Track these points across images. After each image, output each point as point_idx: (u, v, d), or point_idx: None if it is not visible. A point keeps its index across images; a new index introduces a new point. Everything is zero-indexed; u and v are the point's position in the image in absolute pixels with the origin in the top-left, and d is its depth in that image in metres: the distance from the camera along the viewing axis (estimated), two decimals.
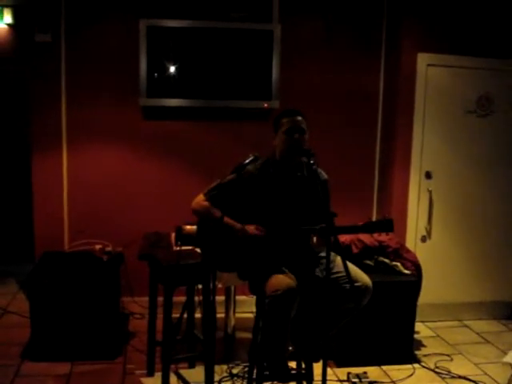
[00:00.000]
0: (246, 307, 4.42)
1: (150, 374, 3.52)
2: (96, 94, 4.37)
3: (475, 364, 3.84)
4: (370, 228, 2.81)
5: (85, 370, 3.54)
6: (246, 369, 3.29)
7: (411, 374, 3.65)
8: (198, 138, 4.51)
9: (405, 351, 3.83)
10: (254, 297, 2.96)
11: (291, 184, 2.93)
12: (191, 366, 3.64)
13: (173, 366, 3.48)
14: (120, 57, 4.34)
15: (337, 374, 3.62)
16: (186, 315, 3.54)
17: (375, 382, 3.50)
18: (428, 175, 4.52)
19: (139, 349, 3.84)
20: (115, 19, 4.32)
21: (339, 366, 3.71)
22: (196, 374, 3.50)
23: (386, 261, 3.93)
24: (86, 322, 3.63)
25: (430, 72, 4.41)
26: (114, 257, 3.91)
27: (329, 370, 3.56)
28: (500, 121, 4.56)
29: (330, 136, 4.56)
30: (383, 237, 3.93)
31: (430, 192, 4.52)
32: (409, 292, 3.82)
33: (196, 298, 3.46)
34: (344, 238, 3.93)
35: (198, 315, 3.56)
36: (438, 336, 4.34)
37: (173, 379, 3.39)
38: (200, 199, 2.94)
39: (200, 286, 3.34)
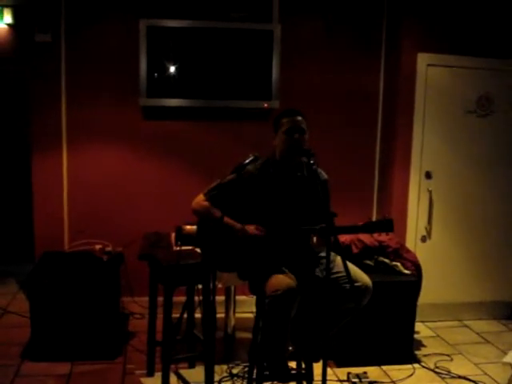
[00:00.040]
0: (246, 307, 4.42)
1: (150, 374, 3.52)
2: (96, 93, 4.37)
3: (475, 364, 3.84)
4: (370, 228, 2.81)
5: (85, 369, 3.54)
6: (246, 369, 3.30)
7: (411, 374, 3.65)
8: (198, 138, 4.51)
9: (405, 351, 3.83)
10: (254, 297, 2.96)
11: (291, 184, 2.93)
12: (191, 366, 3.64)
13: (173, 366, 3.48)
14: (120, 57, 4.34)
15: (337, 373, 3.62)
16: (186, 315, 3.54)
17: (375, 381, 3.50)
18: (428, 175, 4.52)
19: (139, 349, 3.84)
20: (115, 19, 4.32)
21: (339, 365, 3.71)
22: (196, 374, 3.50)
23: (386, 261, 3.93)
24: (86, 321, 3.63)
25: (430, 72, 4.41)
26: (114, 257, 3.91)
27: (329, 370, 3.56)
28: (500, 121, 4.56)
29: (330, 136, 4.56)
30: (383, 237, 3.93)
31: (430, 192, 4.52)
32: (409, 292, 3.82)
33: (196, 298, 3.46)
34: (344, 238, 3.93)
35: (197, 315, 3.56)
36: (438, 336, 4.34)
37: (173, 379, 3.39)
38: (200, 199, 2.94)
39: (200, 286, 3.34)
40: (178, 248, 3.28)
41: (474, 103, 4.50)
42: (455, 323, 4.62)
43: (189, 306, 3.55)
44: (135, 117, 4.41)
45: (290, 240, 2.88)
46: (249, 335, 3.37)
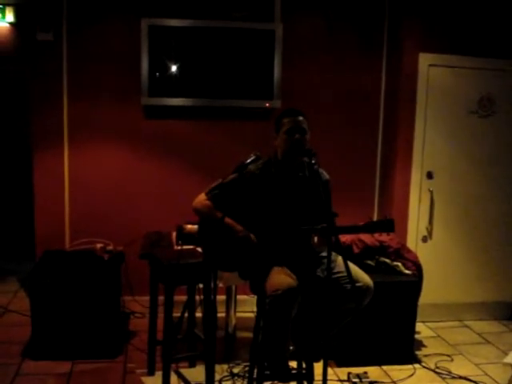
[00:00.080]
0: (247, 307, 4.43)
1: (151, 373, 3.52)
2: (97, 93, 4.37)
3: (476, 364, 3.84)
4: (371, 228, 2.80)
5: (85, 368, 3.54)
6: (247, 368, 3.30)
7: (412, 374, 3.65)
8: (199, 138, 4.51)
9: (405, 351, 3.83)
10: (255, 296, 2.96)
11: (293, 184, 2.93)
12: (192, 365, 3.64)
13: (173, 365, 3.49)
14: (122, 56, 4.35)
15: (337, 373, 3.62)
16: (186, 314, 3.55)
17: (375, 381, 3.50)
18: (429, 175, 4.52)
19: (140, 348, 3.84)
20: (117, 18, 4.32)
21: (340, 365, 3.71)
22: (196, 374, 3.50)
23: (387, 261, 3.93)
24: (87, 320, 3.63)
25: (432, 72, 4.41)
26: (114, 256, 3.91)
27: (329, 370, 3.56)
28: (502, 121, 4.55)
29: (332, 136, 4.56)
30: (384, 237, 3.93)
31: (432, 192, 4.51)
32: (410, 292, 3.82)
33: (197, 298, 3.46)
34: (345, 238, 3.93)
35: (198, 314, 3.57)
36: (439, 336, 4.34)
37: (173, 378, 3.39)
38: (201, 198, 2.94)
39: (201, 286, 3.34)
40: (179, 247, 3.28)
41: (476, 104, 4.50)
42: (456, 323, 4.62)
43: (190, 306, 3.55)
44: (137, 116, 4.41)
45: (291, 240, 2.88)
46: (249, 335, 3.37)
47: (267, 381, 2.92)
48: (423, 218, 4.55)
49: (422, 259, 4.09)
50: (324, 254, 2.81)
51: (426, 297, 4.14)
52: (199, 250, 3.31)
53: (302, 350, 3.03)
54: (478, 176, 4.57)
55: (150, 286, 3.48)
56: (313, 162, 2.67)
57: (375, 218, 4.67)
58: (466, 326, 4.58)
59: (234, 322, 4.01)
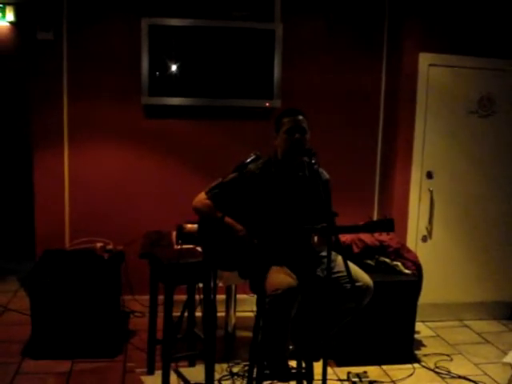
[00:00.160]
0: (247, 306, 4.43)
1: (151, 372, 3.52)
2: (98, 92, 4.37)
3: (475, 364, 3.85)
4: (371, 228, 2.81)
5: (85, 367, 3.54)
6: (246, 368, 3.29)
7: (411, 374, 3.66)
8: (199, 137, 4.51)
9: (405, 351, 3.83)
10: (255, 296, 2.96)
11: (293, 184, 2.93)
12: (191, 364, 3.64)
13: (173, 365, 3.49)
14: (122, 55, 4.34)
15: (337, 373, 3.62)
16: (186, 314, 3.55)
17: (375, 381, 3.50)
18: (429, 175, 4.52)
19: (139, 347, 3.84)
20: (117, 18, 4.32)
21: (339, 365, 3.71)
22: (196, 373, 3.51)
23: (387, 260, 3.94)
24: (87, 320, 3.63)
25: (432, 72, 4.41)
26: (114, 255, 3.92)
27: (329, 370, 3.56)
28: (502, 121, 4.56)
29: (332, 136, 4.56)
30: (384, 236, 3.92)
31: (431, 192, 4.52)
32: (409, 292, 3.82)
33: (197, 297, 3.46)
34: (345, 238, 3.93)
35: (198, 314, 3.57)
36: (438, 336, 4.34)
37: (173, 377, 3.39)
38: (201, 197, 2.94)
39: (201, 285, 3.34)
40: (179, 246, 3.29)
41: (476, 103, 4.50)
42: (455, 323, 4.62)
43: (189, 305, 3.56)
44: (137, 115, 4.41)
45: (291, 239, 2.88)
46: (249, 334, 3.37)
47: (267, 380, 2.92)
48: (423, 218, 4.55)
49: (422, 259, 4.09)
50: (324, 253, 2.81)
51: (426, 296, 4.14)
52: (199, 249, 3.31)
53: (301, 350, 3.03)
54: (477, 176, 4.58)
55: (149, 286, 3.48)
56: (313, 161, 2.67)
57: (375, 218, 4.67)
58: (466, 326, 4.58)
59: (233, 321, 4.01)
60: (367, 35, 4.64)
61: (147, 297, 3.58)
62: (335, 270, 2.81)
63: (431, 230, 4.57)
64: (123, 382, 3.41)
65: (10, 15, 4.20)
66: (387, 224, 2.76)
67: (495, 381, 3.58)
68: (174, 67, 4.29)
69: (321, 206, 2.68)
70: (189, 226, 3.40)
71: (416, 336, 4.06)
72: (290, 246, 2.89)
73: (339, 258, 2.86)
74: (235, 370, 3.58)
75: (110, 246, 4.01)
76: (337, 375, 3.59)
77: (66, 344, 3.64)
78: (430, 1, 4.36)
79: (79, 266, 3.70)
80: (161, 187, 4.50)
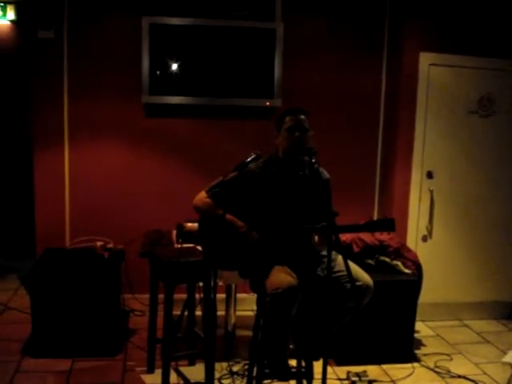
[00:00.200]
0: (247, 305, 4.43)
1: (150, 370, 3.52)
2: (98, 91, 4.37)
3: (475, 364, 3.85)
4: (371, 227, 2.81)
5: (85, 366, 3.55)
6: (246, 367, 3.29)
7: (411, 373, 3.66)
8: (199, 136, 4.51)
9: (405, 350, 3.83)
10: (255, 295, 2.97)
11: (293, 183, 2.93)
12: (191, 363, 3.65)
13: (173, 363, 3.50)
14: (122, 54, 4.34)
15: (337, 372, 3.62)
16: (186, 313, 3.55)
17: (375, 380, 3.51)
18: (429, 175, 4.52)
19: (139, 346, 3.84)
20: (118, 16, 4.32)
21: (339, 364, 3.71)
22: (196, 372, 3.51)
23: (387, 260, 3.94)
24: (87, 318, 3.63)
25: (433, 71, 4.41)
26: (115, 254, 3.92)
27: (329, 369, 3.56)
28: (502, 121, 4.56)
29: (332, 135, 4.55)
30: (384, 236, 3.94)
31: (432, 192, 4.52)
32: (409, 291, 3.82)
33: (197, 296, 3.46)
34: (345, 237, 3.93)
35: (198, 313, 3.57)
36: (438, 335, 4.35)
37: (173, 376, 3.39)
38: (202, 196, 2.95)
39: (201, 284, 3.34)
40: (180, 245, 3.29)
41: (476, 103, 4.50)
42: (455, 323, 4.63)
43: (189, 304, 3.56)
44: (137, 114, 4.41)
45: (291, 238, 2.88)
46: (249, 333, 3.38)
47: (267, 379, 2.93)
48: (423, 218, 4.55)
49: (422, 258, 4.09)
50: (324, 252, 2.82)
51: (426, 296, 4.14)
52: (199, 248, 3.31)
53: (301, 349, 3.03)
54: (478, 176, 4.58)
55: (150, 284, 3.49)
56: (313, 160, 2.68)
57: (375, 218, 4.68)
58: (466, 326, 4.58)
59: (233, 320, 4.01)
60: (368, 34, 4.63)
61: (147, 295, 3.58)
62: (335, 270, 2.82)
63: (431, 230, 4.57)
64: (123, 380, 3.41)
65: (10, 14, 4.20)
66: (388, 223, 2.77)
67: (495, 380, 3.58)
68: (174, 66, 4.29)
69: (321, 205, 2.68)
70: (189, 224, 3.41)
71: (416, 335, 4.07)
72: (290, 245, 2.89)
73: (339, 258, 2.86)
74: (235, 368, 3.59)
75: (110, 245, 4.01)
76: (336, 374, 3.59)
77: (66, 342, 3.64)
78: (430, 0, 4.36)
79: (79, 265, 3.70)
80: (161, 186, 4.50)
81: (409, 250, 4.11)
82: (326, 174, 3.01)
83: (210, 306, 3.25)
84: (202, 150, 4.51)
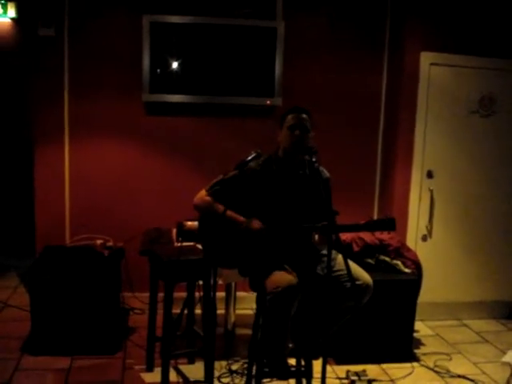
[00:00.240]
0: (247, 304, 4.43)
1: (150, 369, 3.52)
2: (98, 89, 4.37)
3: (474, 363, 3.85)
4: (372, 226, 2.80)
5: (84, 364, 3.55)
6: (246, 365, 3.30)
7: (410, 373, 3.66)
8: (200, 134, 4.51)
9: (404, 350, 3.83)
10: (255, 293, 2.97)
11: (293, 181, 2.93)
12: (191, 361, 3.65)
13: (172, 362, 3.50)
14: (123, 52, 4.34)
15: (336, 371, 3.62)
16: (186, 311, 3.55)
17: (374, 380, 3.51)
18: (430, 174, 4.52)
19: (139, 344, 3.84)
20: (118, 14, 4.32)
21: (338, 363, 3.72)
22: (195, 370, 3.51)
23: (387, 259, 3.94)
24: (86, 316, 3.63)
25: (433, 71, 4.41)
26: (114, 252, 3.92)
27: (328, 368, 3.55)
28: (503, 121, 4.55)
29: (332, 135, 4.55)
30: (384, 235, 3.94)
31: (432, 191, 4.52)
32: (409, 291, 3.82)
33: (196, 294, 3.47)
34: (345, 237, 3.93)
35: (198, 311, 3.58)
36: (438, 335, 4.35)
37: (172, 375, 3.39)
38: (202, 194, 2.94)
39: (200, 282, 3.34)
40: (179, 244, 3.29)
41: (477, 103, 4.49)
42: (454, 322, 4.63)
43: (189, 302, 3.56)
44: (138, 112, 4.41)
45: (291, 237, 2.88)
46: (249, 332, 3.38)
47: (266, 378, 2.93)
48: (423, 217, 4.55)
49: (422, 258, 4.09)
50: (324, 251, 2.82)
51: (425, 295, 4.15)
52: (199, 246, 3.31)
53: (301, 348, 3.03)
54: (478, 175, 4.58)
55: (149, 283, 3.48)
56: (313, 159, 2.68)
57: (375, 217, 4.68)
58: (465, 325, 4.58)
59: (233, 319, 4.01)
60: (369, 34, 4.63)
61: (147, 294, 3.58)
62: (335, 269, 2.82)
63: (431, 230, 4.57)
64: (122, 378, 3.41)
65: (11, 11, 4.19)
66: (389, 223, 2.76)
67: (494, 380, 3.58)
68: (175, 64, 4.28)
69: (321, 204, 2.68)
70: (189, 223, 3.41)
71: (415, 335, 4.07)
72: (290, 244, 2.89)
73: (339, 257, 2.86)
74: (234, 367, 3.59)
75: (110, 243, 4.01)
76: (336, 373, 3.60)
77: (65, 340, 3.64)
78: (431, 0, 4.35)
79: (79, 263, 3.70)
80: (161, 184, 4.50)
81: (409, 250, 4.11)
82: (326, 173, 3.01)
83: (209, 304, 3.25)
84: (203, 148, 4.51)
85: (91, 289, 3.63)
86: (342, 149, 4.64)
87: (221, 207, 2.83)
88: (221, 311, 4.00)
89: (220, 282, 3.53)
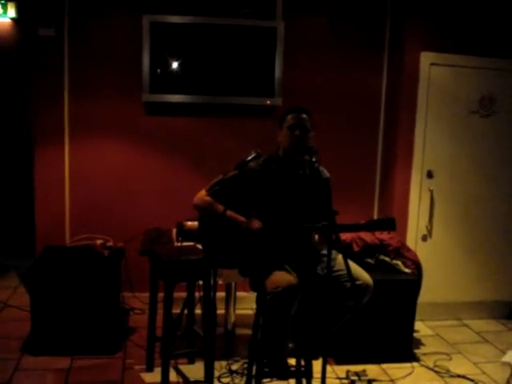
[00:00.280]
0: (247, 304, 4.43)
1: (150, 369, 3.52)
2: (98, 89, 4.36)
3: (474, 363, 3.85)
4: (372, 226, 2.80)
5: (84, 364, 3.55)
6: (246, 365, 3.30)
7: (410, 373, 3.66)
8: (200, 134, 4.51)
9: (404, 350, 3.83)
10: (255, 293, 2.97)
11: (293, 181, 2.93)
12: (191, 361, 3.65)
13: (172, 362, 3.50)
14: (123, 52, 4.34)
15: (336, 371, 3.62)
16: (186, 311, 3.55)
17: (374, 380, 3.51)
18: (429, 174, 4.52)
19: (139, 344, 3.84)
20: (118, 14, 4.32)
21: (338, 363, 3.72)
22: (195, 370, 3.51)
23: (387, 259, 3.94)
24: (87, 316, 3.63)
25: (433, 71, 4.41)
26: (114, 252, 3.92)
27: (328, 368, 3.55)
28: (503, 121, 4.55)
29: (332, 135, 4.55)
30: (384, 235, 3.94)
31: (432, 191, 4.52)
32: (409, 291, 3.82)
33: (196, 294, 3.47)
34: (345, 237, 3.93)
35: (198, 311, 3.58)
36: (438, 335, 4.35)
37: (172, 375, 3.39)
38: (202, 194, 2.94)
39: (200, 282, 3.34)
40: (179, 244, 3.29)
41: (477, 103, 4.49)
42: (454, 322, 4.63)
43: (189, 302, 3.56)
44: (138, 112, 4.41)
45: (291, 237, 2.88)
46: (249, 332, 3.38)
47: (266, 378, 2.93)
48: (423, 217, 4.55)
49: (422, 258, 4.09)
50: (324, 251, 2.82)
51: (425, 295, 4.14)
52: (199, 246, 3.31)
53: (301, 348, 3.03)
54: (478, 175, 4.58)
55: (149, 283, 3.48)
56: (313, 159, 2.68)
57: (375, 217, 4.68)
58: (465, 325, 4.58)
59: (233, 319, 4.01)
60: (369, 34, 4.63)
61: (147, 294, 3.58)
62: (335, 269, 2.82)
63: (431, 230, 4.57)
64: (122, 378, 3.41)
65: (11, 11, 4.19)
66: (389, 223, 2.76)
67: (494, 380, 3.58)
68: (175, 64, 4.28)
69: (321, 204, 2.68)
70: (189, 223, 3.41)
71: (415, 335, 4.07)
72: (290, 244, 2.89)
73: (339, 257, 2.86)
74: (234, 367, 3.59)
75: (110, 243, 4.01)
76: (336, 373, 3.60)
77: (65, 340, 3.64)
78: (431, 0, 4.35)
79: (79, 263, 3.70)
80: (161, 184, 4.50)
81: (409, 250, 4.11)
82: (326, 173, 3.01)
83: (209, 304, 3.25)
84: (203, 148, 4.51)
85: (91, 289, 3.63)
86: (342, 149, 4.64)
87: (221, 207, 2.83)
88: (221, 311, 4.00)
89: (220, 281, 3.53)
